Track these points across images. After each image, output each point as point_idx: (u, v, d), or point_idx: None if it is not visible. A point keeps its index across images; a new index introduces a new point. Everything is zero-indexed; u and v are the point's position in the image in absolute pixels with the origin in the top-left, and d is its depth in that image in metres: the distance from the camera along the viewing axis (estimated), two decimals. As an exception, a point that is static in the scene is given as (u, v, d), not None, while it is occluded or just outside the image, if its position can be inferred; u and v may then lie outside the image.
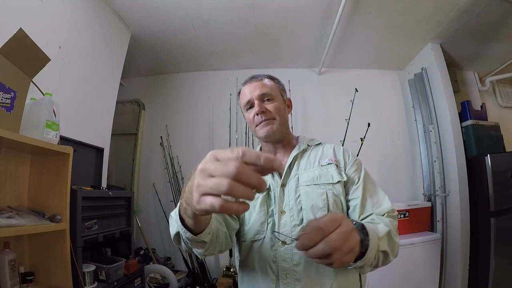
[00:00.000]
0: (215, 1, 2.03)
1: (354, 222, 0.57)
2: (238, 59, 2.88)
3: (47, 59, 1.14)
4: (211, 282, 2.45)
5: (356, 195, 0.76)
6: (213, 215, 0.63)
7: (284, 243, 0.72)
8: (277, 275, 0.71)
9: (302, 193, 0.76)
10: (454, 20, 2.17)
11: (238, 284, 0.85)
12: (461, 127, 2.39)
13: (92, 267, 1.38)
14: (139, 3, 2.04)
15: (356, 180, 0.78)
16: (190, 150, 2.91)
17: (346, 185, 0.79)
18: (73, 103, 1.69)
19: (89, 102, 1.88)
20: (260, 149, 0.95)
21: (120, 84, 2.38)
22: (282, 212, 0.76)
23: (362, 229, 0.57)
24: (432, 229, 2.41)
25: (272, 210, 0.77)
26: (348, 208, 0.78)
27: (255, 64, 2.95)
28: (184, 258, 2.56)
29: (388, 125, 2.87)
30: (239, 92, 0.90)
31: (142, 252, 2.49)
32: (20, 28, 1.01)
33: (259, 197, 0.79)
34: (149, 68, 3.08)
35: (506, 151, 2.47)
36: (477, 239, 2.18)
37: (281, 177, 0.80)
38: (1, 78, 0.95)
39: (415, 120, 2.74)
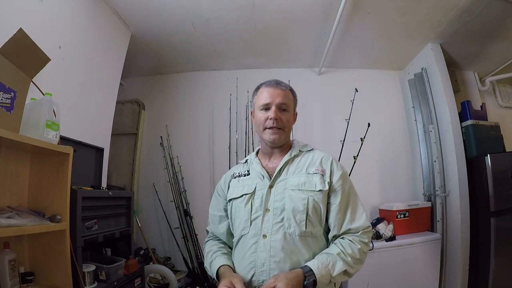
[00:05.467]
0: (215, 0, 2.03)
1: (308, 276, 0.74)
2: (238, 59, 2.88)
3: (47, 59, 1.14)
4: (211, 282, 2.45)
5: (336, 207, 0.85)
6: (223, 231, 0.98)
7: (265, 236, 0.82)
8: (255, 263, 0.81)
9: (287, 196, 0.85)
10: (454, 20, 2.17)
11: None
12: (461, 127, 2.38)
13: (92, 267, 1.37)
14: (139, 3, 2.04)
15: (340, 193, 0.86)
16: (190, 150, 2.91)
17: (329, 194, 0.87)
18: (73, 103, 1.69)
19: (89, 102, 1.88)
20: (257, 152, 1.03)
21: (120, 84, 2.38)
22: (266, 210, 0.85)
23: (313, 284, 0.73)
24: (432, 229, 2.41)
25: (256, 208, 0.86)
26: (327, 214, 0.87)
27: (255, 64, 2.95)
28: (184, 258, 2.56)
29: (388, 125, 2.87)
30: (257, 89, 0.97)
31: (142, 252, 2.49)
32: (20, 28, 1.01)
33: (244, 199, 0.89)
34: (149, 68, 3.08)
35: (506, 151, 2.47)
36: (477, 239, 2.18)
37: (270, 179, 0.90)
38: (1, 78, 0.95)
39: (415, 120, 2.74)
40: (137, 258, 1.87)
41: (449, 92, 2.39)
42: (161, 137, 2.92)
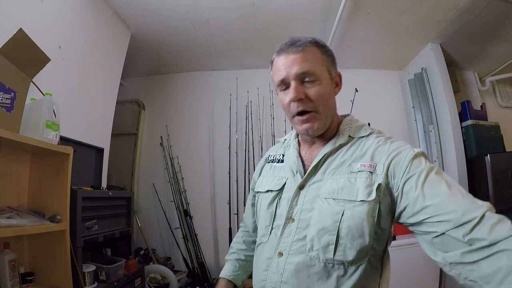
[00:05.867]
0: (215, 0, 2.03)
1: None
2: (238, 59, 2.88)
3: (47, 59, 1.14)
4: (211, 282, 2.45)
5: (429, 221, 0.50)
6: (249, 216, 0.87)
7: (280, 254, 0.62)
8: (265, 284, 0.63)
9: (316, 207, 0.60)
10: (454, 20, 2.17)
11: None
12: (461, 127, 2.38)
13: (92, 267, 1.37)
14: (139, 3, 2.04)
15: (415, 195, 0.52)
16: (190, 150, 2.91)
17: (396, 203, 0.55)
18: (73, 103, 1.69)
19: (89, 102, 1.88)
20: (297, 135, 0.77)
21: (120, 84, 2.38)
22: (291, 219, 0.63)
23: None
24: (432, 229, 2.41)
25: (281, 214, 0.65)
26: (380, 231, 0.57)
27: (255, 64, 2.95)
28: (184, 258, 2.56)
29: (388, 125, 2.87)
30: (272, 62, 0.71)
31: (142, 252, 2.49)
32: (20, 28, 1.01)
33: (269, 196, 0.69)
34: (149, 68, 3.08)
35: (506, 151, 2.47)
36: (477, 239, 2.18)
37: (302, 176, 0.65)
38: (1, 78, 0.95)
39: (415, 120, 2.74)
40: (137, 258, 1.87)
41: (449, 92, 2.39)
42: (161, 137, 2.92)
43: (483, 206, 0.48)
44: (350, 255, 0.55)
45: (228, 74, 3.02)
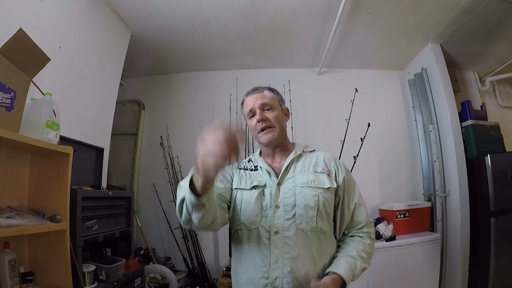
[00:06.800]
0: (215, 0, 2.03)
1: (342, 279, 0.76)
2: (238, 59, 2.88)
3: (47, 59, 1.14)
4: (211, 282, 2.45)
5: (342, 206, 0.91)
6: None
7: (277, 233, 0.83)
8: (268, 260, 0.82)
9: (297, 193, 0.86)
10: (454, 20, 2.17)
11: (231, 271, 0.94)
12: (461, 127, 2.38)
13: (92, 267, 1.38)
14: (139, 3, 2.04)
15: (346, 192, 0.91)
16: (190, 150, 2.90)
17: (336, 192, 0.91)
18: (73, 103, 1.69)
19: (89, 102, 1.88)
20: (260, 152, 1.03)
21: (120, 84, 2.38)
22: (277, 206, 0.86)
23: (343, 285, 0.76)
24: (432, 229, 2.41)
25: (266, 205, 0.87)
26: (334, 211, 0.90)
27: (255, 64, 2.95)
28: (184, 258, 2.56)
29: (388, 125, 2.87)
30: (242, 102, 1.02)
31: (142, 252, 2.49)
32: (20, 28, 1.01)
33: (254, 193, 0.89)
34: (149, 68, 3.08)
35: (506, 151, 2.47)
36: (477, 239, 2.18)
37: (277, 177, 0.91)
38: (1, 78, 0.95)
39: (415, 120, 2.74)
40: (137, 258, 1.87)
41: (449, 92, 2.39)
42: (161, 137, 2.92)
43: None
44: (324, 224, 0.86)
45: (228, 74, 3.02)
